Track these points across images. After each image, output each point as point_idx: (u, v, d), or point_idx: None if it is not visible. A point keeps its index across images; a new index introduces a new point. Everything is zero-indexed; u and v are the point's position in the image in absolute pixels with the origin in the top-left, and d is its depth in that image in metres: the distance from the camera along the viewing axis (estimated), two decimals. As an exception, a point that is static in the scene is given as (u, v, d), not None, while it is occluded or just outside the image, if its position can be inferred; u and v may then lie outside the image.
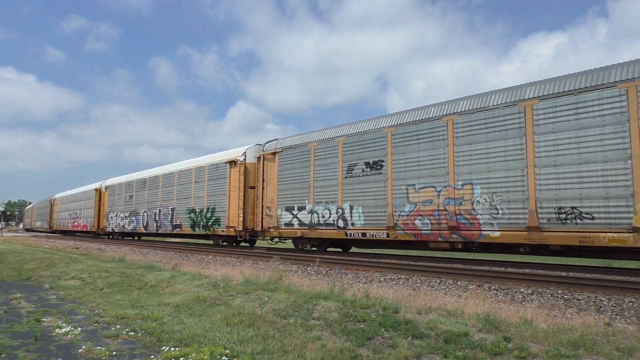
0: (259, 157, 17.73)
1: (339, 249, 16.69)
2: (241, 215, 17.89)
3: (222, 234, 19.18)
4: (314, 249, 16.07)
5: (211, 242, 21.79)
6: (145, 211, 26.04)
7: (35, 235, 45.80)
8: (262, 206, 17.11)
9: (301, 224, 15.39)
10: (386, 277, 10.33)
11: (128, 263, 14.66)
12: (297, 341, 5.25)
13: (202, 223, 20.44)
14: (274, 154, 16.96)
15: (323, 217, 14.64)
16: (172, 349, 5.01)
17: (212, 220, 19.80)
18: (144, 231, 26.18)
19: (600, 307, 7.04)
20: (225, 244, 20.35)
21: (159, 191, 24.73)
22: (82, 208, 37.06)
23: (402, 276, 10.31)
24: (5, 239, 37.71)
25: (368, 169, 13.41)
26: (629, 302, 7.11)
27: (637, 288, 7.69)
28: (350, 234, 13.76)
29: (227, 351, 4.85)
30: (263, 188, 17.19)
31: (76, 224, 38.55)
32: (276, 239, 17.49)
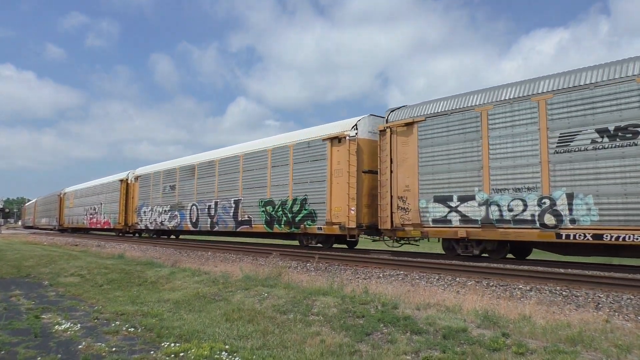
0: (382, 130, 13.55)
1: (512, 256, 12.42)
2: (353, 209, 13.85)
3: (320, 232, 15.03)
4: (484, 255, 11.80)
5: (295, 242, 17.53)
6: (194, 204, 21.54)
7: (34, 233, 45.72)
8: (391, 196, 13.00)
9: (465, 220, 11.34)
10: (385, 273, 10.36)
11: (127, 260, 14.67)
12: (297, 337, 5.27)
13: (284, 219, 16.23)
14: (409, 124, 12.76)
15: (510, 210, 10.58)
16: (172, 344, 5.03)
17: (301, 215, 15.56)
18: (192, 228, 21.74)
19: (599, 303, 7.06)
20: (319, 245, 15.83)
21: (215, 180, 20.24)
22: (103, 202, 32.47)
23: (401, 272, 10.34)
24: (4, 236, 37.70)
25: (605, 139, 9.31)
26: (628, 299, 7.13)
27: (635, 285, 7.72)
28: (569, 236, 9.69)
29: (226, 347, 4.87)
30: (392, 172, 13.07)
31: (95, 220, 34.03)
32: (403, 241, 13.49)
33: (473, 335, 5.13)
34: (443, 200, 11.84)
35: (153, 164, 27.59)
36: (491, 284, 8.69)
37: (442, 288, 8.68)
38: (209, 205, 20.44)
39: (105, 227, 32.17)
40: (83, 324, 6.14)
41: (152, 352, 4.83)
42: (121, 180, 29.43)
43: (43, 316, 6.65)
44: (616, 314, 6.52)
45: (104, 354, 4.84)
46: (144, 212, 26.40)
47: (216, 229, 19.98)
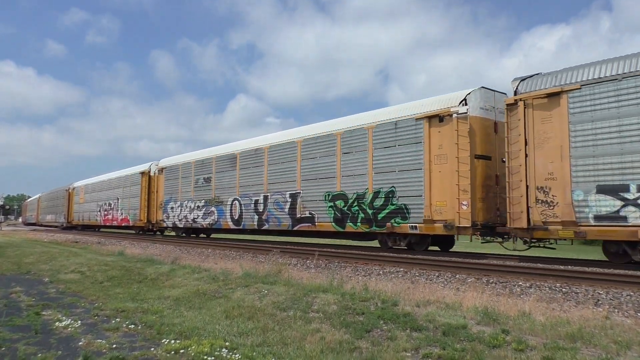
0: (510, 104, 10.84)
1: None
2: (465, 203, 11.33)
3: (413, 232, 12.51)
4: None
5: (373, 244, 15.15)
6: (236, 199, 18.91)
7: (35, 230, 45.68)
8: (527, 186, 10.48)
9: None
10: (385, 270, 10.37)
11: (127, 257, 14.69)
12: (297, 333, 5.27)
13: (361, 216, 13.66)
14: (553, 95, 10.13)
15: None
16: (172, 341, 5.04)
17: (387, 211, 13.01)
18: (234, 226, 19.10)
19: (598, 300, 7.07)
20: (406, 248, 13.29)
21: (264, 170, 17.59)
22: (120, 197, 29.63)
23: (401, 269, 10.35)
24: (4, 232, 37.73)
25: None
26: (627, 295, 7.14)
27: (635, 282, 7.73)
28: None
29: (227, 343, 4.88)
30: (527, 155, 10.52)
31: (110, 217, 31.16)
32: (533, 243, 10.78)
33: (473, 332, 5.14)
34: (613, 191, 9.26)
35: (181, 154, 24.88)
36: (491, 280, 8.70)
37: (442, 285, 8.68)
38: (256, 200, 17.86)
39: (123, 224, 29.33)
40: (83, 321, 6.15)
41: (152, 349, 4.84)
42: (142, 173, 26.59)
43: (43, 313, 6.67)
44: (616, 310, 6.53)
45: (104, 350, 4.85)
46: (172, 208, 23.63)
47: (266, 227, 17.47)
